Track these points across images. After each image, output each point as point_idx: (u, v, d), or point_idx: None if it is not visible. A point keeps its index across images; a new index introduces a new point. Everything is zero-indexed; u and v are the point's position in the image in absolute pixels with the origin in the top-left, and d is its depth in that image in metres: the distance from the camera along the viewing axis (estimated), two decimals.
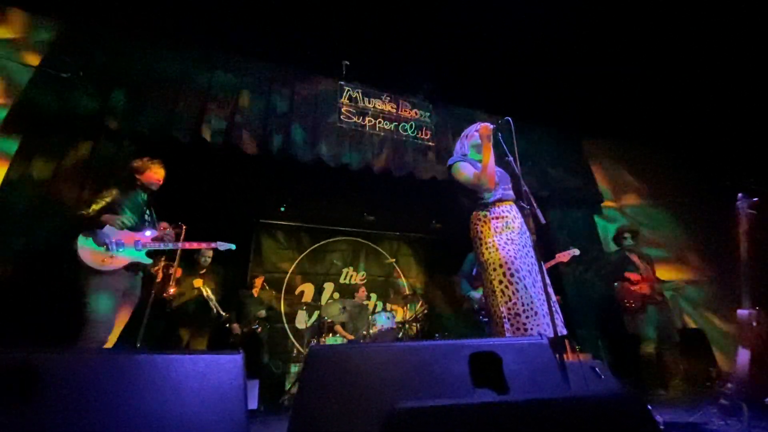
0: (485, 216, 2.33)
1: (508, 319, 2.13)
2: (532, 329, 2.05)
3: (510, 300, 2.13)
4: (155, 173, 2.89)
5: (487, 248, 2.26)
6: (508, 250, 2.20)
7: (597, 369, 2.85)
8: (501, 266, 2.19)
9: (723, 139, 5.16)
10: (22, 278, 2.77)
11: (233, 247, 3.07)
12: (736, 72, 4.44)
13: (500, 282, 2.18)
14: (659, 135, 5.59)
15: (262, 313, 4.85)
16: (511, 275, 2.15)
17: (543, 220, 2.00)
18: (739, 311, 2.34)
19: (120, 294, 2.52)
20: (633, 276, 3.86)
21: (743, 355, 2.25)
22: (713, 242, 4.87)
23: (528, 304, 2.09)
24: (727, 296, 4.65)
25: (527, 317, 2.08)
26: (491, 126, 2.39)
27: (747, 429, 1.98)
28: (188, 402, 1.04)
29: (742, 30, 3.95)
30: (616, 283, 3.96)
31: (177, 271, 3.20)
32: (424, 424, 0.65)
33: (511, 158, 2.20)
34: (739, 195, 2.50)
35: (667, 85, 4.74)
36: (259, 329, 4.77)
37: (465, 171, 2.41)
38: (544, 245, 2.46)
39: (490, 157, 2.32)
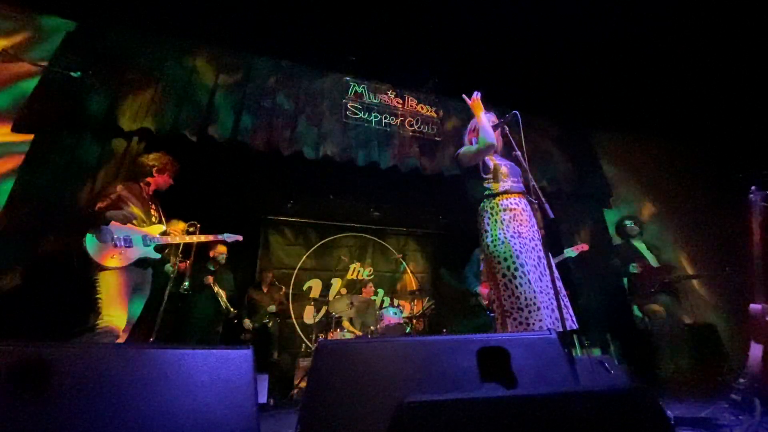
0: (492, 208, 2.31)
1: (511, 313, 2.12)
2: (533, 324, 2.03)
3: (513, 294, 2.12)
4: (171, 178, 2.95)
5: (492, 240, 2.25)
6: (514, 243, 2.18)
7: (606, 364, 2.84)
8: (505, 259, 2.17)
9: (735, 131, 5.06)
10: (36, 276, 2.81)
11: (240, 238, 3.10)
12: (749, 62, 4.35)
13: (504, 275, 2.16)
14: (669, 127, 5.50)
15: (272, 308, 4.90)
16: (515, 269, 2.13)
17: (551, 215, 1.99)
18: (751, 305, 2.32)
19: (131, 289, 2.56)
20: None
21: (755, 350, 2.22)
22: (725, 235, 4.80)
23: (531, 299, 2.07)
24: (740, 290, 4.58)
25: (529, 312, 2.06)
26: (476, 95, 2.48)
27: (759, 424, 1.96)
28: (200, 396, 1.05)
29: (752, 19, 3.86)
30: (634, 264, 3.90)
31: (188, 267, 3.23)
32: (432, 418, 0.65)
33: (518, 152, 2.19)
34: (752, 188, 2.46)
35: (678, 76, 4.65)
36: (270, 324, 4.82)
37: (464, 150, 2.46)
38: (553, 240, 2.44)
39: (481, 117, 2.40)
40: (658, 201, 5.60)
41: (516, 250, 2.16)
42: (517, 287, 2.11)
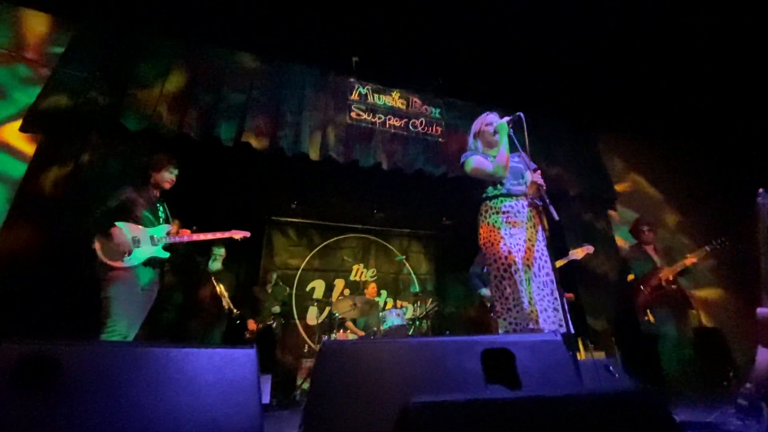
0: (487, 211, 2.33)
1: (501, 314, 2.15)
2: (520, 325, 2.04)
3: (502, 295, 2.15)
4: (170, 173, 2.93)
5: (484, 242, 2.28)
6: (505, 244, 2.18)
7: (611, 368, 2.82)
8: (496, 261, 2.19)
9: (744, 133, 5.02)
10: (45, 275, 2.83)
11: (248, 234, 3.12)
12: (758, 64, 4.31)
13: (495, 276, 2.20)
14: (676, 129, 5.46)
15: (276, 308, 4.90)
16: (504, 270, 2.15)
17: (556, 217, 1.98)
18: (758, 310, 2.29)
19: (139, 289, 2.57)
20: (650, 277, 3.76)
21: (763, 355, 2.20)
22: (732, 238, 4.75)
23: (517, 299, 2.07)
24: (747, 294, 4.53)
25: (517, 312, 2.07)
26: (495, 123, 2.39)
27: (766, 429, 1.94)
28: (204, 395, 1.05)
29: (760, 20, 3.83)
30: (631, 277, 3.86)
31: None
32: (438, 419, 0.65)
33: (523, 154, 2.19)
34: (760, 190, 2.43)
35: (684, 77, 4.62)
36: (274, 324, 4.82)
37: (476, 164, 2.37)
38: (558, 242, 2.43)
39: (502, 146, 2.30)
40: (666, 204, 5.56)
41: (506, 251, 2.15)
42: (506, 288, 2.13)
